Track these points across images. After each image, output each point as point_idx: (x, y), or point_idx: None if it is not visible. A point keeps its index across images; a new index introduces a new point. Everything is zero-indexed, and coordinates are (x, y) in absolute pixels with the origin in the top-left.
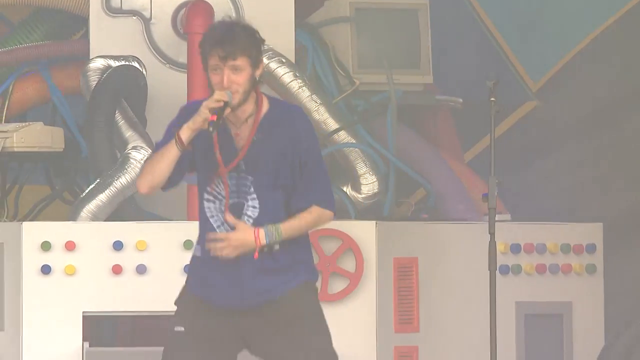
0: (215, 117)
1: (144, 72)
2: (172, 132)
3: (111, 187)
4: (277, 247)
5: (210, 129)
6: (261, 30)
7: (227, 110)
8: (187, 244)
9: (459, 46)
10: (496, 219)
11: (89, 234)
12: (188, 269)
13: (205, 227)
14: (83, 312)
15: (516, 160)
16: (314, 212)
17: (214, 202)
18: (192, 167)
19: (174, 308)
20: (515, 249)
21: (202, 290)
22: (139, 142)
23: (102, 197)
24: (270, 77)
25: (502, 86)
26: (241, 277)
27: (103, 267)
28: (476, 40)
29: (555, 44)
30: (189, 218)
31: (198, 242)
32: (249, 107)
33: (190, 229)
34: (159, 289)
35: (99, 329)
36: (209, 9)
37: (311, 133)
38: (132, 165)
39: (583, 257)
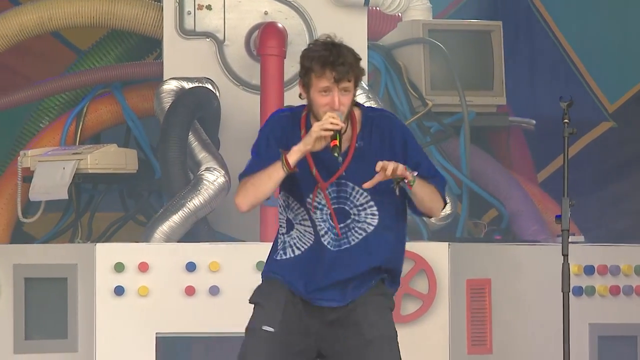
0: (337, 142)
1: (217, 93)
2: (268, 145)
3: (184, 209)
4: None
5: (336, 154)
6: None
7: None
8: (260, 265)
9: (533, 67)
10: (570, 240)
11: (162, 255)
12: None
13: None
14: (156, 333)
15: (590, 181)
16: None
17: (315, 213)
18: (291, 183)
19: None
20: (588, 270)
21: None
22: (212, 164)
23: (175, 218)
24: None
25: (577, 106)
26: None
27: (176, 288)
28: (551, 60)
29: (634, 66)
30: (262, 239)
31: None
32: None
33: (263, 250)
34: (231, 310)
35: (172, 350)
36: (282, 31)
37: (409, 133)
38: (205, 187)
39: None
